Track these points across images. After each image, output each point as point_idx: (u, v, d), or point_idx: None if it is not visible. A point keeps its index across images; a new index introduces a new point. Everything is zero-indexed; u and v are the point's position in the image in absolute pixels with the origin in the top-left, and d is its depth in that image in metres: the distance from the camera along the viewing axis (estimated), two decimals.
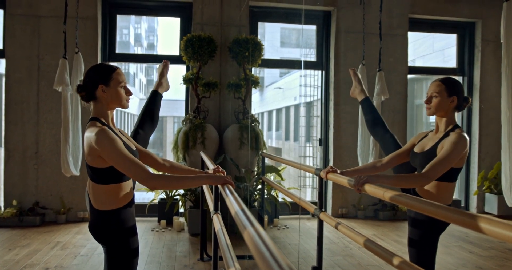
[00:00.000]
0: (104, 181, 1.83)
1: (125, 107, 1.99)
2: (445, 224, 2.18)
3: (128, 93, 2.00)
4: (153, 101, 2.72)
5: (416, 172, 2.36)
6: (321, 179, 2.57)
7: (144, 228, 5.37)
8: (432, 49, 9.77)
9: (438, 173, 2.02)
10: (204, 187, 3.25)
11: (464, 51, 6.71)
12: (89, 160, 1.82)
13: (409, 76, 6.50)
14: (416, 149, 2.34)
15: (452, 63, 7.48)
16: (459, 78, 6.80)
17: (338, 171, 2.34)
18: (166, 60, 3.00)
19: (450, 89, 2.23)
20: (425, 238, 2.19)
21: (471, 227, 1.18)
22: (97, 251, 4.33)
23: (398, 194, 1.63)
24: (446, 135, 2.21)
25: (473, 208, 6.55)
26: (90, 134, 1.78)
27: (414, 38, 9.60)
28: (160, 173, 2.21)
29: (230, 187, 1.80)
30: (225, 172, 2.15)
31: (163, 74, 2.95)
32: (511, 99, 2.86)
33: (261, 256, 0.86)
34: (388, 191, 1.70)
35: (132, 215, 1.98)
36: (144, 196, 7.13)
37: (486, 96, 6.48)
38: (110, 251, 1.91)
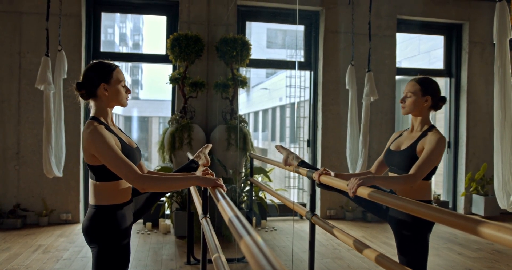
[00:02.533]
0: (101, 178, 1.85)
1: (125, 105, 2.00)
2: (431, 223, 2.18)
3: (128, 91, 2.01)
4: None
5: (389, 171, 2.40)
6: (312, 182, 2.50)
7: None
8: (418, 51, 9.81)
9: (424, 173, 2.10)
10: (192, 188, 3.16)
11: (452, 52, 6.73)
12: (85, 157, 1.85)
13: (397, 77, 6.50)
14: (392, 147, 2.37)
15: (438, 64, 7.51)
16: (446, 80, 6.82)
17: (332, 174, 2.28)
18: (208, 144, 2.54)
19: (424, 88, 2.27)
20: (415, 240, 2.17)
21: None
22: (80, 255, 4.20)
23: (389, 195, 1.60)
24: (424, 134, 2.25)
25: (460, 209, 6.57)
26: (85, 132, 1.80)
27: (401, 40, 9.63)
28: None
29: (222, 190, 1.76)
30: (214, 174, 2.07)
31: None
32: (503, 101, 2.84)
33: (261, 267, 0.79)
34: (383, 194, 1.67)
35: (129, 215, 1.96)
36: None
37: (473, 98, 6.50)
38: (102, 250, 1.84)
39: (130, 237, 1.98)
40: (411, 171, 2.09)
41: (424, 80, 2.32)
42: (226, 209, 1.30)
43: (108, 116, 1.96)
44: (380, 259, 1.96)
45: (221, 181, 1.86)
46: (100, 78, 1.91)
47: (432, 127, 2.29)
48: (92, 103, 1.95)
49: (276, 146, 2.97)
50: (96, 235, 1.83)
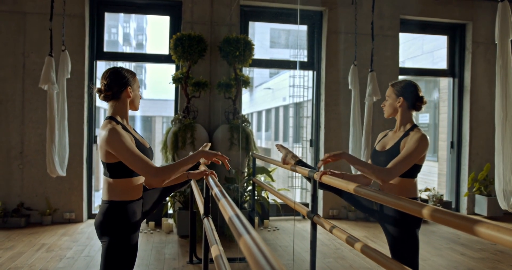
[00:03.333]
0: (115, 175, 1.94)
1: (138, 108, 2.17)
2: (419, 219, 2.24)
3: (140, 97, 2.19)
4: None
5: None
6: (314, 182, 2.51)
7: None
8: (422, 51, 9.78)
9: (401, 170, 2.15)
10: (194, 188, 3.18)
11: (455, 52, 6.72)
12: (101, 155, 1.94)
13: (400, 77, 6.49)
14: (378, 148, 2.46)
15: (441, 64, 7.49)
16: (449, 80, 6.81)
17: (337, 172, 2.38)
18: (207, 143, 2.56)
19: (397, 90, 2.38)
20: (404, 237, 2.23)
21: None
22: (83, 254, 4.23)
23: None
24: (406, 134, 2.32)
25: (463, 210, 6.56)
26: (103, 131, 1.90)
27: (404, 39, 9.61)
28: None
29: (214, 178, 2.04)
30: (216, 174, 2.24)
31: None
32: (505, 101, 2.83)
33: (259, 267, 0.80)
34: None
35: (139, 211, 2.06)
36: None
37: (476, 98, 6.49)
38: (112, 243, 1.93)
39: (139, 232, 2.07)
40: (388, 166, 2.16)
41: (397, 83, 2.42)
42: (227, 208, 1.31)
43: (125, 117, 2.08)
44: (382, 259, 1.97)
45: (219, 154, 2.06)
46: (127, 82, 2.05)
47: (414, 127, 2.35)
48: (111, 104, 2.05)
49: (276, 145, 3.04)
50: (108, 228, 1.93)
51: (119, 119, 2.03)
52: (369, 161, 2.55)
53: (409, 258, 2.19)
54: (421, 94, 2.37)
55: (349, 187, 1.95)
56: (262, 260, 0.82)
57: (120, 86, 2.03)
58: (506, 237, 1.06)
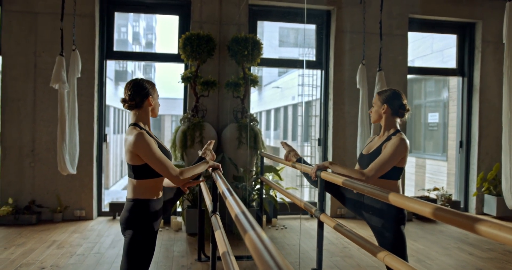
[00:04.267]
0: (140, 177, 2.16)
1: (157, 115, 2.38)
2: (404, 217, 2.40)
3: (159, 105, 2.41)
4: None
5: None
6: (322, 180, 2.53)
7: None
8: (431, 50, 9.74)
9: (378, 172, 2.32)
10: (202, 186, 3.23)
11: (464, 52, 6.69)
12: (127, 158, 2.15)
13: (409, 76, 6.47)
14: (364, 151, 2.62)
15: (451, 63, 7.46)
16: (459, 79, 6.78)
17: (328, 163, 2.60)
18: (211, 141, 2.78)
19: (382, 98, 2.55)
20: (390, 234, 2.35)
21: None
22: (93, 251, 4.29)
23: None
24: (389, 138, 2.48)
25: (472, 209, 6.53)
26: (130, 136, 2.11)
27: (413, 39, 9.58)
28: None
29: (219, 172, 2.26)
30: (214, 154, 2.57)
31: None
32: None
33: (263, 262, 0.83)
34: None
35: (159, 208, 2.26)
36: None
37: (486, 97, 6.45)
38: (135, 235, 2.14)
39: (158, 228, 2.28)
40: (366, 169, 2.34)
41: (383, 91, 2.58)
42: (233, 205, 1.34)
43: (147, 124, 2.29)
44: (389, 258, 1.98)
45: (219, 166, 2.41)
46: (148, 92, 2.25)
47: (397, 132, 2.50)
48: (134, 112, 2.26)
49: (281, 142, 3.24)
50: (132, 223, 2.15)
51: (142, 125, 2.24)
52: (357, 165, 2.70)
53: (397, 255, 2.22)
54: (404, 102, 2.52)
55: (354, 185, 1.96)
56: (266, 255, 0.85)
57: (142, 96, 2.22)
58: (507, 236, 1.08)
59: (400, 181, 2.47)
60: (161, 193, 2.27)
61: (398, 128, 2.53)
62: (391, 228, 2.33)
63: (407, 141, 2.39)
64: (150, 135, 2.20)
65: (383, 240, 2.37)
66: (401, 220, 2.36)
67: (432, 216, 1.35)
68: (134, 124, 2.22)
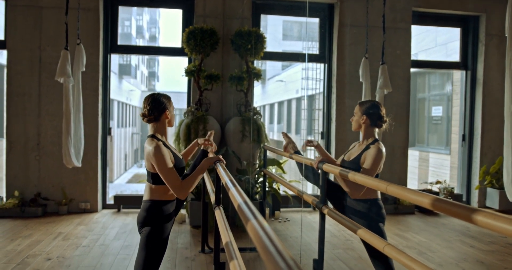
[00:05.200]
0: (156, 182, 2.37)
1: (173, 125, 2.59)
2: (383, 215, 2.62)
3: (174, 115, 2.60)
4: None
5: None
6: (324, 173, 2.57)
7: None
8: (435, 43, 9.70)
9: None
10: (206, 179, 3.26)
11: (468, 45, 6.68)
12: (147, 165, 2.38)
13: (412, 69, 6.47)
14: (345, 157, 2.81)
15: (454, 57, 7.44)
16: (462, 73, 6.78)
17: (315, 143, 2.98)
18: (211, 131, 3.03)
19: (362, 109, 2.73)
20: (370, 229, 2.45)
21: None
22: (98, 242, 4.35)
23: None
24: (367, 147, 2.65)
25: (474, 203, 6.55)
26: (149, 147, 2.32)
27: (417, 32, 9.54)
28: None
29: (223, 164, 2.35)
30: (214, 144, 2.76)
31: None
32: None
33: (264, 247, 0.86)
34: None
35: (173, 208, 2.47)
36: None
37: (489, 91, 6.45)
38: (151, 230, 2.34)
39: (172, 225, 2.49)
40: (359, 191, 2.54)
41: (364, 102, 2.77)
42: (236, 196, 1.38)
43: (165, 135, 2.49)
44: (388, 248, 2.01)
45: (221, 157, 2.48)
46: (165, 106, 2.45)
47: (375, 141, 2.67)
48: (152, 125, 2.45)
49: (282, 133, 3.42)
50: (148, 220, 2.35)
51: (159, 136, 2.44)
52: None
53: (378, 252, 2.36)
54: (382, 114, 2.70)
55: (355, 177, 1.99)
56: (267, 242, 0.88)
57: (160, 111, 2.43)
58: (502, 225, 1.11)
59: None
60: (174, 197, 2.45)
61: (376, 137, 2.72)
62: (370, 225, 2.52)
63: (384, 150, 2.60)
64: (166, 146, 2.41)
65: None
66: (380, 218, 2.59)
67: (430, 206, 1.38)
68: (152, 136, 2.42)
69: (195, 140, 2.78)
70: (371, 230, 2.41)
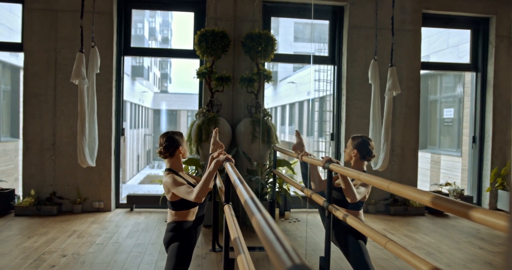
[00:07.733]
0: (177, 209, 2.72)
1: (186, 158, 3.07)
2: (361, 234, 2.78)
3: (186, 150, 2.88)
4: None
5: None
6: (330, 172, 2.63)
7: (158, 219, 5.48)
8: (447, 45, 9.68)
9: (360, 197, 2.79)
10: (217, 180, 3.34)
11: (478, 46, 6.67)
12: (167, 196, 2.71)
13: (423, 71, 6.49)
14: (337, 182, 2.94)
15: (466, 59, 7.43)
16: (472, 74, 6.78)
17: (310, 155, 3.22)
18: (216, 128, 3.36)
19: (354, 144, 2.99)
20: (351, 242, 2.76)
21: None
22: (112, 240, 4.45)
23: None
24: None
25: (485, 205, 6.54)
26: (167, 180, 2.65)
27: (429, 33, 9.53)
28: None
29: (231, 163, 2.48)
30: (223, 146, 3.04)
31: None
32: None
33: (268, 240, 0.92)
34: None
35: (194, 227, 2.79)
36: (158, 188, 7.24)
37: (500, 92, 6.44)
38: (179, 245, 2.65)
39: (196, 241, 2.82)
40: (356, 197, 2.72)
41: (356, 137, 3.02)
42: (243, 192, 1.45)
43: (179, 168, 2.81)
44: (390, 244, 2.05)
45: (230, 156, 2.63)
46: (179, 142, 2.78)
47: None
48: (168, 159, 2.78)
49: (296, 131, 3.68)
50: (175, 237, 2.68)
51: (175, 170, 2.77)
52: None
53: (359, 263, 2.68)
54: (371, 149, 2.96)
55: (360, 176, 2.05)
56: (271, 235, 0.95)
57: (174, 147, 2.76)
58: (496, 221, 1.17)
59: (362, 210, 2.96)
60: (193, 217, 2.80)
61: (365, 169, 2.97)
62: (350, 241, 2.77)
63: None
64: (180, 176, 2.75)
65: (346, 249, 2.82)
66: (359, 235, 2.77)
67: (429, 203, 1.44)
68: (169, 170, 2.76)
69: (210, 157, 2.87)
70: (350, 246, 2.73)
